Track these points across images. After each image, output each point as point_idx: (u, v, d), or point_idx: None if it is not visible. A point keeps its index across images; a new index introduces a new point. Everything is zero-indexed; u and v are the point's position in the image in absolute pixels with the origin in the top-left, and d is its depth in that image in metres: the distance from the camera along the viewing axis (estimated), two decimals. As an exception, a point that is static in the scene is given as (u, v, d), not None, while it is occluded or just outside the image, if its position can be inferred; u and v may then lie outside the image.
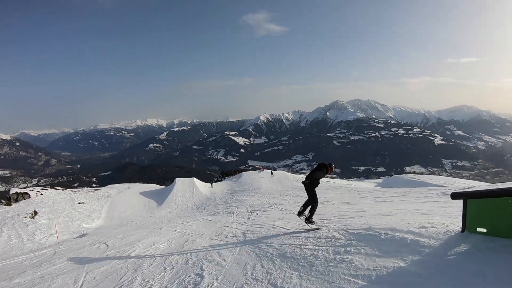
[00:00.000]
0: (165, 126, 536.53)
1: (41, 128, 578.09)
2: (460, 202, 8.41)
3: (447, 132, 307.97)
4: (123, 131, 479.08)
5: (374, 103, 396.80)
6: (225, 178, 48.78)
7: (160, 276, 5.28)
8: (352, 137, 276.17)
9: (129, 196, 32.15)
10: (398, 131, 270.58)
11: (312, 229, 6.72)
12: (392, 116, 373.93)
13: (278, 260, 4.97)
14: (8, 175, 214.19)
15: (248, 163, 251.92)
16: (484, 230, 3.80)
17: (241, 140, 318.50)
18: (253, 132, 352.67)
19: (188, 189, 32.37)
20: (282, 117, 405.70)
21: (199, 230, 11.00)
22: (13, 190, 28.74)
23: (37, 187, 34.73)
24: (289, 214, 10.89)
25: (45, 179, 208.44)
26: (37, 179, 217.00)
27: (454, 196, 4.46)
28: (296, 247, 5.42)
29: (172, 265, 5.87)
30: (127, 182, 48.43)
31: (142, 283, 5.05)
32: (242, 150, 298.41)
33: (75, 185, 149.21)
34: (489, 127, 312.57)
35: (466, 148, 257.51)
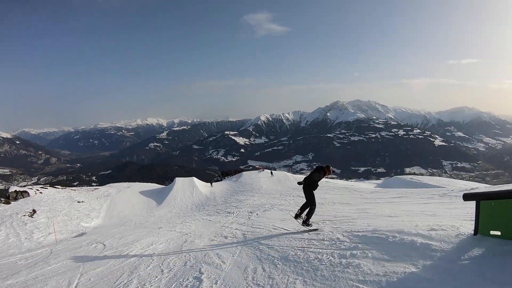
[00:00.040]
0: (165, 125, 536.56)
1: (42, 127, 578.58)
2: (465, 204, 8.17)
3: (447, 134, 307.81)
4: (123, 130, 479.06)
5: (374, 104, 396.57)
6: (225, 178, 48.58)
7: (156, 279, 5.07)
8: (352, 138, 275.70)
9: (128, 195, 31.93)
10: (398, 132, 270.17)
11: (311, 230, 6.67)
12: (393, 117, 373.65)
13: (280, 263, 4.75)
14: (8, 173, 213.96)
15: (248, 163, 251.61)
16: (498, 233, 3.63)
17: (241, 140, 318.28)
18: (253, 132, 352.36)
19: (188, 188, 32.17)
20: (283, 117, 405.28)
21: (198, 230, 10.82)
22: (12, 188, 28.50)
23: (37, 186, 34.53)
24: (293, 213, 10.71)
25: (45, 177, 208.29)
26: (37, 177, 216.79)
27: (467, 197, 4.24)
28: (299, 249, 5.21)
29: (170, 267, 5.67)
30: (127, 181, 48.16)
31: (138, 286, 4.85)
32: (242, 150, 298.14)
33: (75, 183, 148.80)
34: (489, 129, 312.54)
35: (466, 149, 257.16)
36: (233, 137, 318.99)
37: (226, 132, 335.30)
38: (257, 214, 13.32)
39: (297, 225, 7.87)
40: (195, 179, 36.32)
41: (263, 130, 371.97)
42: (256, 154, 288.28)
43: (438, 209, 9.03)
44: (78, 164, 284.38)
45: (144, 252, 7.64)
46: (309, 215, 6.92)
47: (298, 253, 4.99)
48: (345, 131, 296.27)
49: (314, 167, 7.57)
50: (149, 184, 45.69)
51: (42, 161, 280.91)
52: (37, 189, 29.85)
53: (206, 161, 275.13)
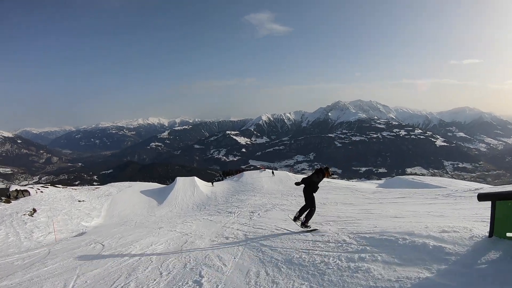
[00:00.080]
0: (166, 125, 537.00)
1: (43, 126, 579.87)
2: (472, 204, 7.95)
3: (449, 134, 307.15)
4: (124, 130, 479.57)
5: (376, 104, 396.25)
6: (226, 178, 48.48)
7: (155, 282, 4.87)
8: (353, 138, 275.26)
9: (129, 194, 31.80)
10: (400, 132, 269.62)
11: (309, 231, 6.67)
12: (394, 117, 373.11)
13: (284, 267, 4.53)
14: (10, 172, 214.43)
15: (250, 162, 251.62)
16: None
17: (242, 140, 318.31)
18: (255, 132, 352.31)
19: (189, 188, 32.03)
20: (284, 117, 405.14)
21: (199, 230, 10.64)
22: (13, 187, 28.42)
23: (38, 185, 34.44)
24: (292, 215, 10.54)
25: (46, 176, 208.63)
26: (38, 176, 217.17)
27: (482, 197, 4.02)
28: (303, 252, 4.98)
29: (169, 269, 5.46)
30: (128, 181, 48.06)
31: (135, 289, 4.64)
32: (244, 150, 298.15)
33: (76, 183, 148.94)
34: (491, 129, 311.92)
35: (467, 150, 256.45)
36: (234, 137, 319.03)
37: (227, 132, 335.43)
38: (258, 214, 13.16)
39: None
40: (196, 178, 36.20)
41: (265, 130, 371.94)
42: (257, 154, 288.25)
43: (445, 209, 8.85)
44: (80, 164, 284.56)
45: (143, 253, 7.45)
46: (308, 217, 6.93)
47: (303, 256, 4.76)
48: (347, 131, 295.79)
49: (316, 167, 7.47)
50: (150, 183, 45.54)
51: (44, 160, 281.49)
52: (37, 188, 29.76)
53: (207, 160, 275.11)
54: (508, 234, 3.49)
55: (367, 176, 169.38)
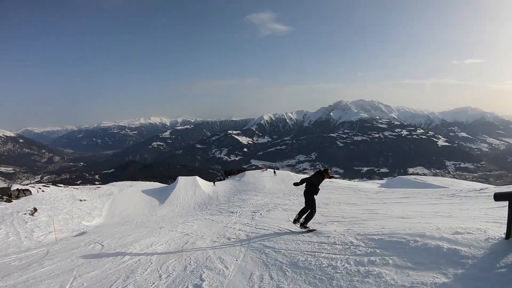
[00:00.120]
0: (168, 124, 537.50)
1: (45, 125, 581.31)
2: (479, 204, 7.72)
3: (451, 134, 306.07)
4: (126, 129, 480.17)
5: (377, 104, 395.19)
6: (227, 177, 48.26)
7: (153, 285, 4.67)
8: (355, 138, 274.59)
9: (131, 194, 31.69)
10: (402, 132, 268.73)
11: (308, 231, 6.67)
12: (396, 117, 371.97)
13: (289, 270, 4.29)
14: (12, 171, 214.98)
15: (251, 162, 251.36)
16: None
17: (244, 140, 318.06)
18: (256, 132, 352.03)
19: (191, 187, 31.89)
20: (286, 117, 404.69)
21: (200, 230, 10.44)
22: (14, 186, 28.36)
23: (39, 184, 34.39)
24: (294, 216, 10.36)
25: (48, 176, 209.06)
26: (40, 176, 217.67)
27: (498, 196, 3.79)
28: (309, 254, 4.75)
29: (169, 271, 5.26)
30: (130, 180, 48.02)
31: (133, 293, 4.45)
32: (245, 150, 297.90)
33: (78, 182, 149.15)
34: (492, 129, 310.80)
35: (469, 150, 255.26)
36: (236, 137, 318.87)
37: (229, 132, 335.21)
38: (260, 214, 12.97)
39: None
40: (198, 178, 36.10)
41: (266, 129, 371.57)
42: (259, 153, 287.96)
43: (451, 210, 8.63)
44: (81, 163, 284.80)
45: (143, 254, 7.26)
46: (307, 218, 6.93)
47: (309, 259, 4.53)
48: (348, 131, 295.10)
49: (317, 166, 7.36)
50: (152, 183, 45.47)
51: (46, 159, 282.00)
52: (39, 188, 29.69)
53: (209, 160, 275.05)
54: (527, 236, 3.29)
55: (369, 176, 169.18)
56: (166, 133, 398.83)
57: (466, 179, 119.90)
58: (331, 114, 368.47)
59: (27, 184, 35.34)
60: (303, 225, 6.91)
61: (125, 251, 7.90)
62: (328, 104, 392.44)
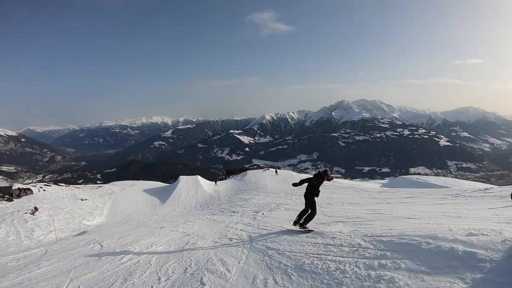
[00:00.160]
0: (170, 124, 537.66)
1: (47, 125, 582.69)
2: (486, 204, 7.51)
3: (453, 134, 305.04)
4: (128, 129, 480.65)
5: (379, 104, 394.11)
6: (229, 177, 48.05)
7: (152, 289, 4.47)
8: (357, 137, 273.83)
9: (132, 193, 31.59)
10: (403, 132, 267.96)
11: (306, 231, 6.66)
12: (398, 117, 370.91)
13: (295, 274, 4.07)
14: (13, 171, 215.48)
15: (253, 162, 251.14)
16: None
17: (246, 139, 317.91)
18: (258, 131, 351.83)
19: (192, 187, 31.75)
20: (287, 116, 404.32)
21: (202, 230, 10.25)
22: (16, 185, 28.29)
23: (40, 183, 34.32)
24: (296, 215, 10.19)
25: (50, 175, 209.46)
26: (42, 175, 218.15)
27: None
28: (315, 257, 4.53)
29: (168, 274, 5.06)
30: (131, 179, 48.01)
31: (130, 297, 4.25)
32: (247, 149, 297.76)
33: (80, 181, 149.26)
34: (494, 129, 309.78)
35: (471, 150, 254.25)
36: (237, 136, 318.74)
37: (231, 131, 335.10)
38: (262, 213, 12.78)
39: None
40: (199, 177, 35.98)
41: (268, 129, 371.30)
42: (260, 153, 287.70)
43: (459, 210, 8.45)
44: (83, 162, 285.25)
45: (143, 255, 7.07)
46: (307, 219, 6.94)
47: (315, 262, 4.31)
48: (350, 131, 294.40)
49: (319, 166, 7.23)
50: (153, 182, 45.42)
51: (47, 159, 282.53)
52: (40, 187, 29.61)
53: (210, 159, 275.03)
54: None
55: (371, 175, 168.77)
56: (168, 132, 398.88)
57: (468, 179, 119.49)
58: (333, 113, 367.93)
59: (28, 183, 35.30)
60: (302, 225, 6.96)
61: (124, 252, 7.71)
62: (329, 104, 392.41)
